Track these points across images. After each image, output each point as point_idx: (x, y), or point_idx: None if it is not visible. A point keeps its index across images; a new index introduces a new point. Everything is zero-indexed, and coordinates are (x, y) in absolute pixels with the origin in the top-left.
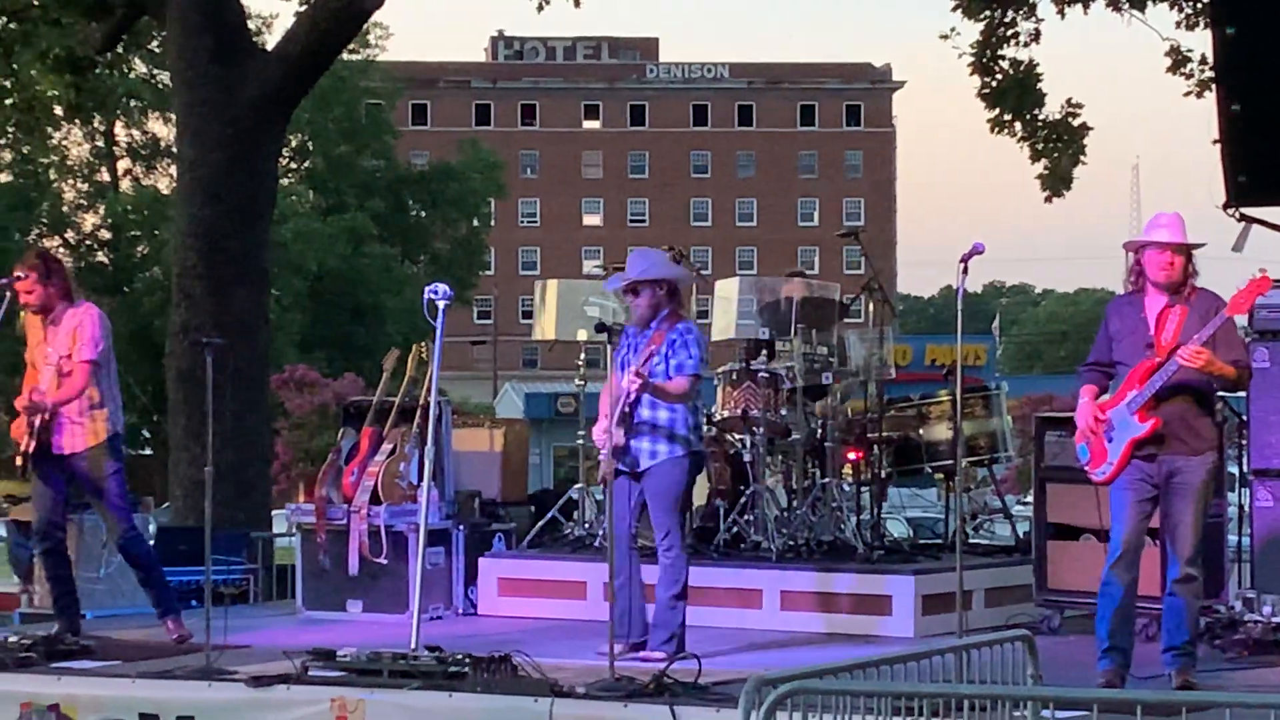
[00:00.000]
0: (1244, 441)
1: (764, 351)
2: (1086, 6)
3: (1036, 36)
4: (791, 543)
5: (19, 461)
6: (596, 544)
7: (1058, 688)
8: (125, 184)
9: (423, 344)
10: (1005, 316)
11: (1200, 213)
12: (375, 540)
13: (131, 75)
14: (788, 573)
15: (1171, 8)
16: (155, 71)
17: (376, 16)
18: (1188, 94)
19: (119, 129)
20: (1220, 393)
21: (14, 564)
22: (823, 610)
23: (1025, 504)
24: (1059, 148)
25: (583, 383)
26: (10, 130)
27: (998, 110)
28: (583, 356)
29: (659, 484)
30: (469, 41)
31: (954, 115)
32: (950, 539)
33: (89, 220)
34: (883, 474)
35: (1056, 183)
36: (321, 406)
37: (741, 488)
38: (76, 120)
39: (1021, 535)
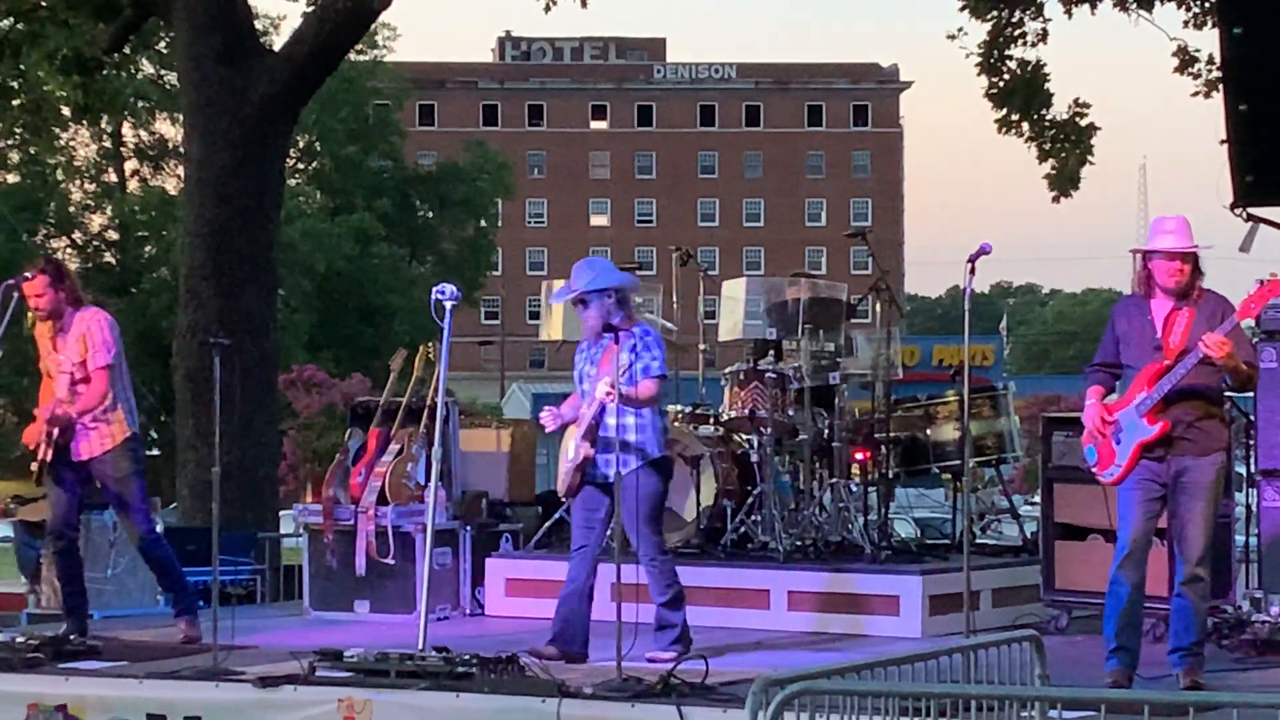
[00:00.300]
0: (1251, 441)
1: (771, 352)
2: (1094, 6)
3: (1044, 36)
4: (799, 543)
5: (35, 468)
6: (604, 545)
7: (1065, 688)
8: (133, 185)
9: (430, 344)
10: (1013, 317)
11: (1207, 213)
12: (382, 541)
13: (139, 76)
14: (795, 573)
15: (1179, 7)
16: (163, 72)
17: (384, 17)
18: (1195, 94)
19: (126, 130)
20: (1228, 393)
21: (21, 565)
22: (830, 610)
23: (1033, 504)
24: (1066, 148)
25: None
26: (18, 131)
27: (1005, 110)
28: None
29: (632, 496)
30: (476, 42)
31: (961, 115)
32: (957, 539)
33: (96, 221)
34: (890, 474)
35: (1064, 183)
36: (329, 407)
37: (749, 488)
38: (84, 121)
39: (1029, 535)
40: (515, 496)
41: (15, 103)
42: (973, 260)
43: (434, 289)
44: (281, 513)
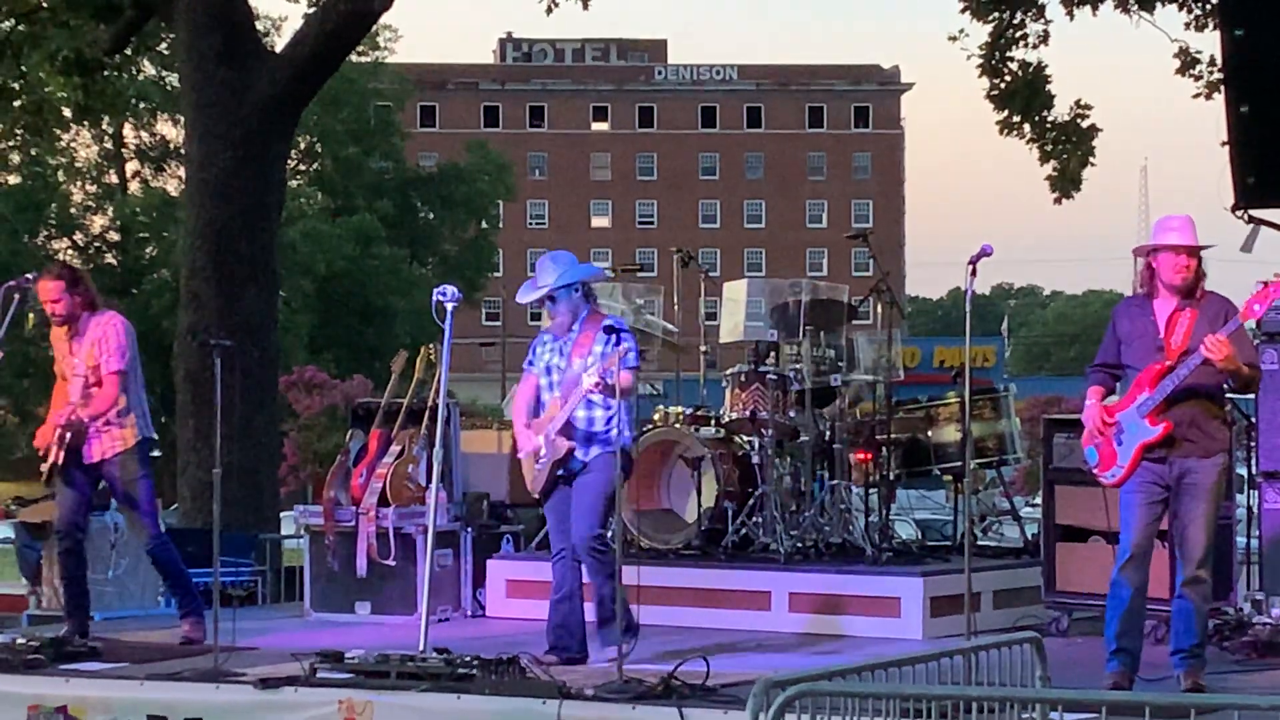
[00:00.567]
0: (1252, 443)
1: (772, 353)
2: (1095, 8)
3: (1045, 38)
4: (800, 545)
5: (45, 469)
6: None
7: (1066, 690)
8: (134, 186)
9: (431, 345)
10: (1014, 318)
11: (1208, 214)
12: (383, 542)
13: (140, 77)
14: (796, 575)
15: (1180, 9)
16: (164, 73)
17: (385, 18)
18: (1196, 95)
19: (128, 131)
20: (1229, 394)
21: (22, 566)
22: (831, 612)
23: (1034, 506)
24: (1068, 149)
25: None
26: (19, 132)
27: (1006, 112)
28: None
29: (589, 476)
30: (477, 43)
31: (962, 117)
32: (958, 541)
33: (98, 222)
34: (891, 476)
35: (1065, 184)
36: (330, 408)
37: (750, 490)
38: (85, 122)
39: (1030, 537)
40: (516, 498)
41: (16, 104)
42: (974, 262)
43: (435, 290)
44: (282, 514)
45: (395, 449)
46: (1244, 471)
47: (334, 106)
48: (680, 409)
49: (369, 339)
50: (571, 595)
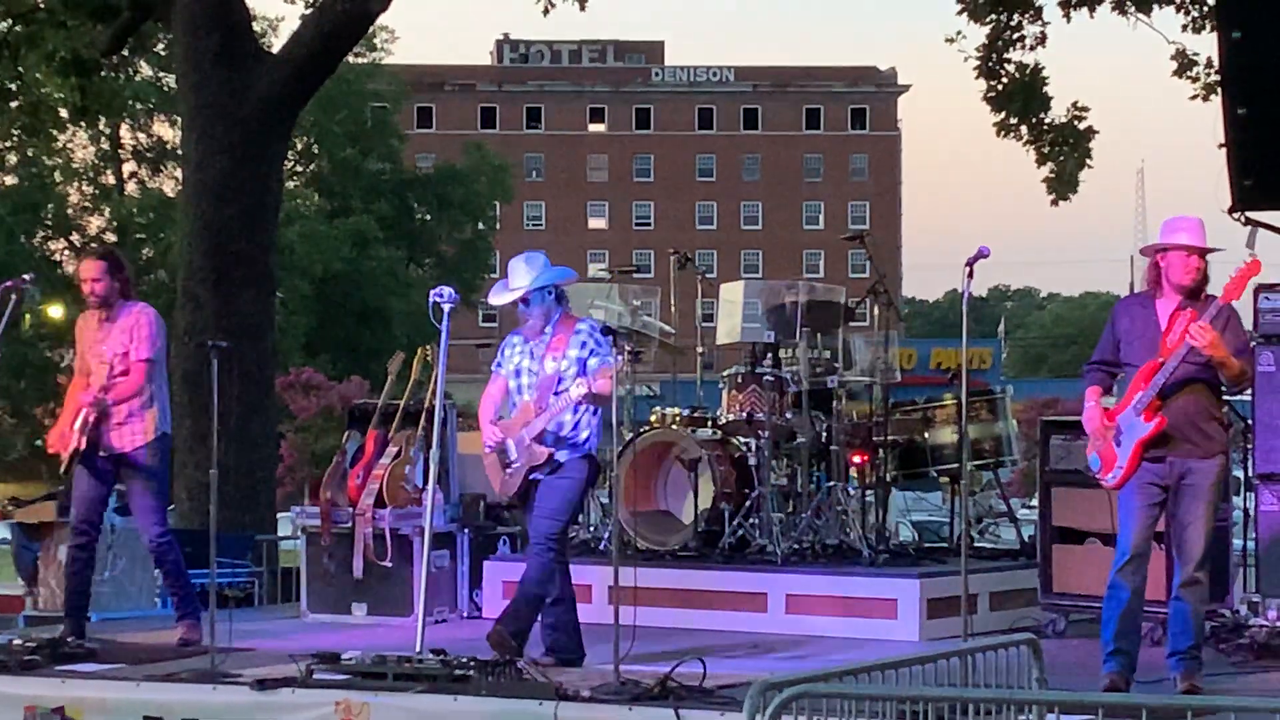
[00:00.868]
0: (1249, 446)
1: (769, 355)
2: (1093, 10)
3: (1042, 40)
4: (796, 546)
5: (65, 458)
6: (601, 547)
7: (1063, 691)
8: (131, 187)
9: (428, 347)
10: (1010, 320)
11: (1205, 217)
12: (380, 543)
13: (138, 78)
14: (793, 576)
15: (1178, 11)
16: (161, 74)
17: (382, 20)
18: (1194, 97)
19: (125, 132)
20: (1226, 396)
21: (18, 567)
22: (828, 614)
23: (1030, 507)
24: (1065, 151)
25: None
26: (16, 133)
27: (1003, 114)
28: None
29: (559, 479)
30: (474, 45)
31: (960, 119)
32: (955, 542)
33: (94, 223)
34: (888, 477)
35: (1062, 186)
36: (326, 409)
37: (746, 491)
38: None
39: (1026, 539)
40: (513, 500)
41: (14, 104)
42: (971, 264)
43: (432, 291)
44: (279, 515)
45: (392, 450)
46: (1240, 474)
47: (331, 108)
48: (677, 410)
49: (366, 340)
50: (563, 597)
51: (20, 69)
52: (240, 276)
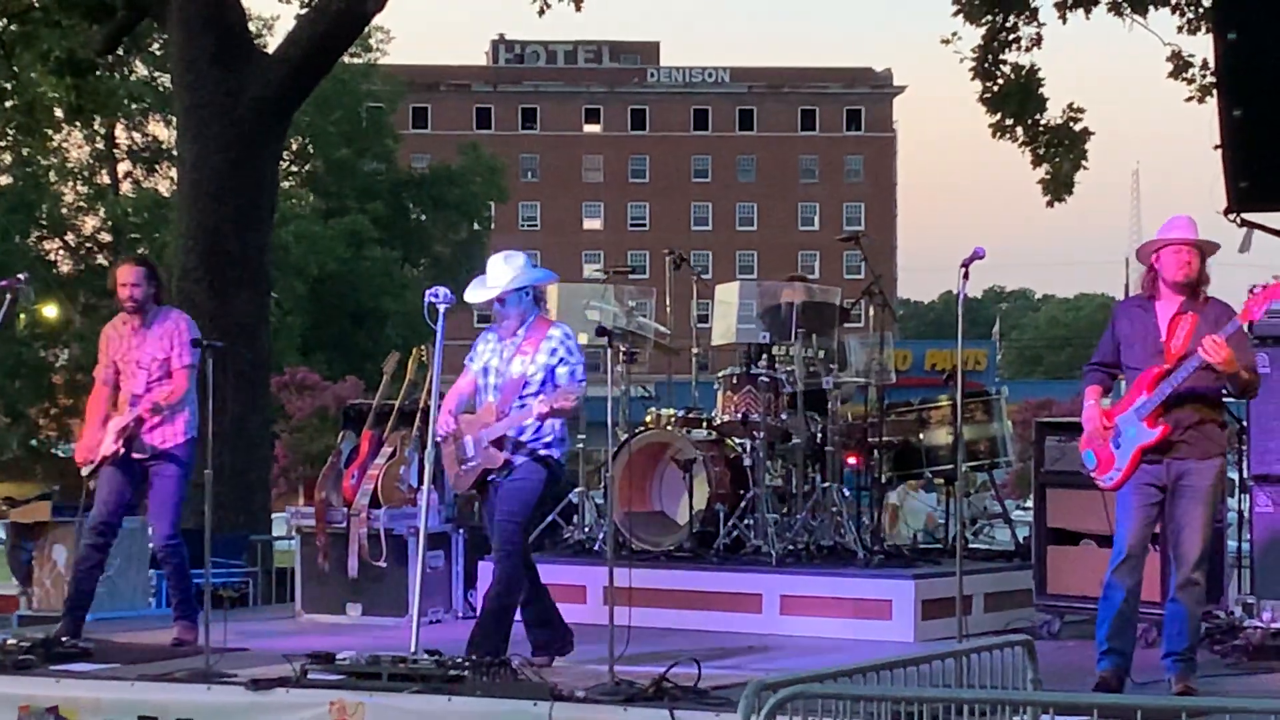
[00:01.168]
0: (1244, 447)
1: (764, 356)
2: (1088, 11)
3: (1038, 41)
4: (791, 547)
5: (96, 460)
6: (596, 548)
7: (1058, 693)
8: (126, 186)
9: (423, 347)
10: (1005, 321)
11: (1201, 219)
12: (375, 543)
13: (133, 77)
14: (787, 577)
15: (1173, 13)
16: (156, 74)
17: (377, 20)
18: (1189, 99)
19: (120, 131)
20: (1226, 399)
21: (13, 567)
22: (822, 615)
23: (1025, 509)
24: (1060, 153)
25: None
26: (11, 132)
27: (999, 115)
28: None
29: (515, 482)
30: (470, 45)
31: (955, 120)
32: (950, 544)
33: (89, 223)
34: (883, 479)
35: (1058, 188)
36: (321, 409)
37: (741, 492)
38: (77, 122)
39: (1021, 540)
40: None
41: (9, 104)
42: (966, 265)
43: (427, 292)
44: (274, 515)
45: (387, 450)
46: (1235, 475)
47: (326, 108)
48: (672, 411)
49: (361, 340)
50: (532, 597)
51: (15, 68)
52: (235, 276)
